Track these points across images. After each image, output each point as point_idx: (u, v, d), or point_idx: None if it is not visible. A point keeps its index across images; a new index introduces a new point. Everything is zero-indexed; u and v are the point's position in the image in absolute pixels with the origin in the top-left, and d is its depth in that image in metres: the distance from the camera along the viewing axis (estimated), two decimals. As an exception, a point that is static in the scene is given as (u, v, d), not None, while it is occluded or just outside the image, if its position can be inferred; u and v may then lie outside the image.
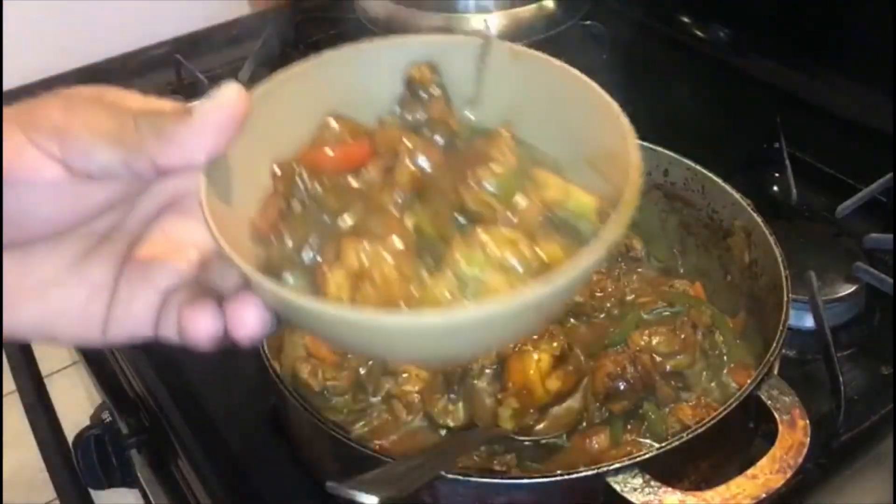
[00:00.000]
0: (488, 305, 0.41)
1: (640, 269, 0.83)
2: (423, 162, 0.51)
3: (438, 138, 0.53)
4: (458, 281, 0.45)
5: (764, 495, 0.59)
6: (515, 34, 1.15)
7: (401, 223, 0.48)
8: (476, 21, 1.17)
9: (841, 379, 0.71)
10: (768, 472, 0.60)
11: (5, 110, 0.41)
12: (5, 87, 1.17)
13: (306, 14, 1.29)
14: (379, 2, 1.20)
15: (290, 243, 0.47)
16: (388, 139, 0.52)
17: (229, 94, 0.42)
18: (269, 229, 0.48)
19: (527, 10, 1.18)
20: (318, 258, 0.47)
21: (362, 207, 0.49)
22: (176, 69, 1.19)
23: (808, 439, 0.61)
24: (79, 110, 0.42)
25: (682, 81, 1.14)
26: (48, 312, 0.45)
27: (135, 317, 0.46)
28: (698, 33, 1.23)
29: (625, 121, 0.48)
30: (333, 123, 0.53)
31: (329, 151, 0.51)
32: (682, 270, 0.83)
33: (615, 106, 0.49)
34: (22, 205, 0.41)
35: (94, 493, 0.81)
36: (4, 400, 0.97)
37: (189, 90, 1.17)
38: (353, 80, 0.54)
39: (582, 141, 0.52)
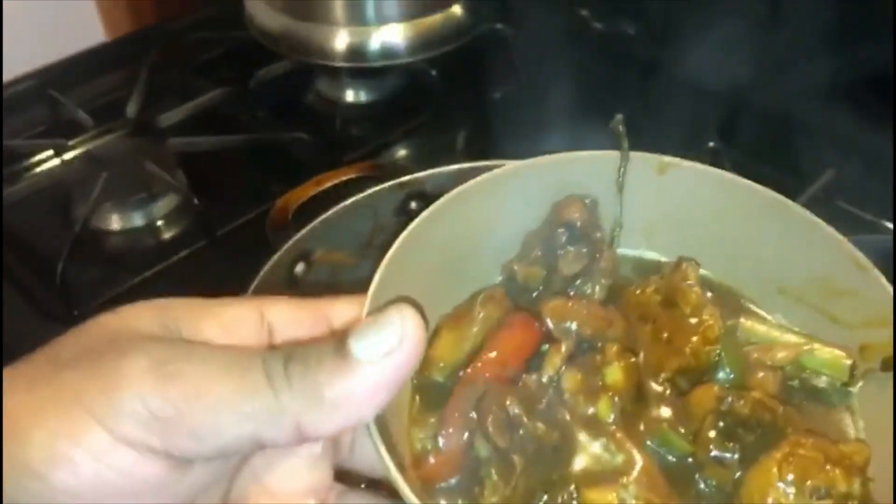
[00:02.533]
0: None
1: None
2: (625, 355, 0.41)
3: (598, 290, 0.45)
4: None
5: None
6: (425, 46, 1.08)
7: (640, 446, 0.39)
8: (379, 35, 1.08)
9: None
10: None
11: (54, 390, 0.28)
12: None
13: (193, 33, 1.17)
14: (274, 15, 1.10)
15: None
16: (557, 312, 0.43)
17: (409, 336, 0.31)
18: (450, 475, 0.39)
19: (433, 20, 1.10)
20: None
21: (588, 436, 0.39)
22: (51, 105, 1.06)
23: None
24: (180, 370, 0.29)
25: (602, 82, 1.10)
26: None
27: None
28: (606, 29, 1.20)
29: (847, 243, 0.42)
30: (479, 311, 0.44)
31: (493, 354, 0.42)
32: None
33: (822, 223, 0.43)
34: None
35: None
36: None
37: (68, 128, 1.03)
38: (474, 225, 0.45)
39: (771, 266, 0.45)
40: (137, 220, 0.95)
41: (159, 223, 0.96)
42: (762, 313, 0.46)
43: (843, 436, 0.41)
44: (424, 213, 0.42)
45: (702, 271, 0.46)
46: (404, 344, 0.30)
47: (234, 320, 0.35)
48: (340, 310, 0.38)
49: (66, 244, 0.85)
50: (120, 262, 0.91)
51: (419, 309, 0.32)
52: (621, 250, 0.48)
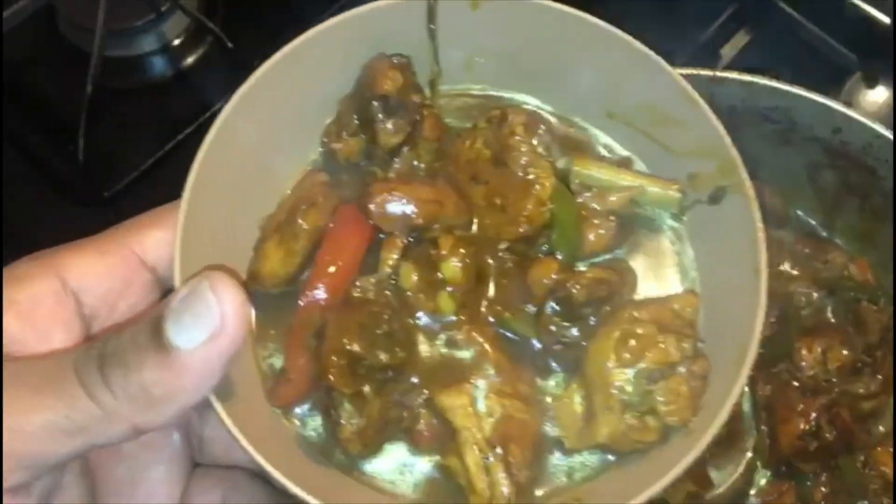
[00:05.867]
0: None
1: (778, 231, 0.66)
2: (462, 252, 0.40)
3: (425, 157, 0.43)
4: (620, 391, 0.38)
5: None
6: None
7: (484, 333, 0.40)
8: None
9: None
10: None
11: None
12: None
13: None
14: None
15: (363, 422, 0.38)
16: (384, 206, 0.41)
17: (230, 315, 0.30)
18: (303, 399, 0.40)
19: None
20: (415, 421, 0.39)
21: (430, 338, 0.40)
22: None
23: None
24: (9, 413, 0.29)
25: None
26: None
27: None
28: None
29: (675, 74, 0.41)
30: (303, 223, 0.41)
31: (332, 267, 0.40)
32: (835, 238, 0.68)
33: (647, 50, 0.42)
34: None
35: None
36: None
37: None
38: (283, 106, 0.43)
39: (596, 93, 0.44)
40: (148, 45, 0.83)
41: (175, 43, 0.84)
42: (592, 137, 0.46)
43: (674, 268, 0.43)
44: (221, 116, 0.39)
45: (529, 101, 0.45)
46: (227, 325, 0.29)
47: (31, 304, 0.34)
48: (151, 242, 0.36)
49: (83, 101, 0.75)
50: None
51: (233, 275, 0.31)
52: (445, 87, 0.46)
